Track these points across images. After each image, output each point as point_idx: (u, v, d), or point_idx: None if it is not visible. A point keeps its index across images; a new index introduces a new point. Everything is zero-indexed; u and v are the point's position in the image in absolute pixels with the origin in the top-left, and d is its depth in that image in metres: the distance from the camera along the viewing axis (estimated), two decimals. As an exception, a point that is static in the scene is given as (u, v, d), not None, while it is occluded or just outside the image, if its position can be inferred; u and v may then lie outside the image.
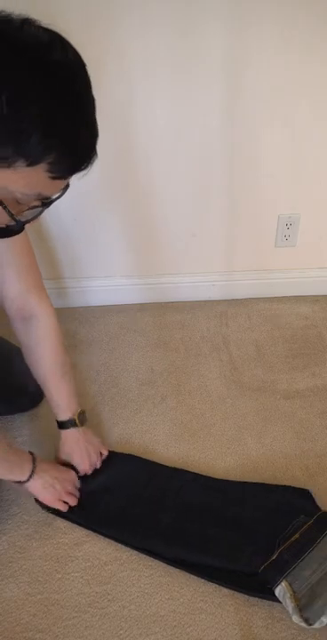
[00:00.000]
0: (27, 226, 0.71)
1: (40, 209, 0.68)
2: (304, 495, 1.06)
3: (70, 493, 1.04)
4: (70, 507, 1.03)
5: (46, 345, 1.05)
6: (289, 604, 0.87)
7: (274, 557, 0.93)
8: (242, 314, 1.62)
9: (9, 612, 0.92)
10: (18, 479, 0.97)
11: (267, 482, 1.10)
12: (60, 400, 1.08)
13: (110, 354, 1.49)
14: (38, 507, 1.05)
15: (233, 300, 1.67)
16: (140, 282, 1.64)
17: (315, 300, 1.66)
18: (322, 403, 1.30)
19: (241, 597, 0.92)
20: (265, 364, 1.43)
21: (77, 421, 1.09)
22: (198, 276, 1.64)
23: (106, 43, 1.22)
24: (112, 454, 1.15)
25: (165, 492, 1.07)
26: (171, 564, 0.96)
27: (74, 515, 1.03)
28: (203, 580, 0.94)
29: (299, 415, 1.27)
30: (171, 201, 1.48)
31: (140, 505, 1.05)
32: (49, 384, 1.07)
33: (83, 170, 0.63)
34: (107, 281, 1.64)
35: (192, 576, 0.95)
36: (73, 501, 1.04)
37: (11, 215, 0.65)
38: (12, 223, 0.67)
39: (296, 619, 0.86)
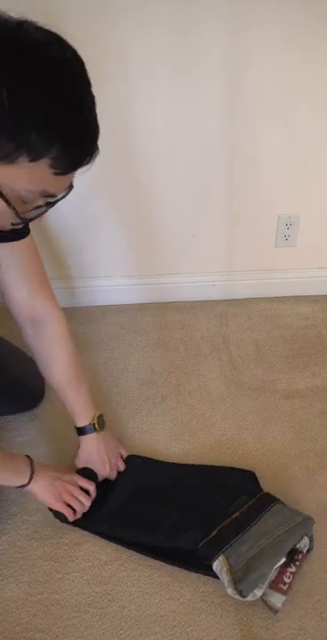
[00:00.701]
0: (32, 231, 0.71)
1: (44, 208, 0.69)
2: (249, 477, 1.10)
3: (72, 494, 1.01)
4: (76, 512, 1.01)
5: (58, 350, 1.04)
6: (225, 578, 0.90)
7: (213, 534, 0.96)
8: (242, 314, 1.62)
9: (9, 612, 0.92)
10: (18, 484, 0.96)
11: (266, 482, 1.10)
12: (77, 406, 1.07)
13: (110, 354, 1.49)
14: (38, 507, 1.05)
15: (233, 300, 1.67)
16: (140, 282, 1.64)
17: (315, 299, 1.67)
18: (322, 403, 1.31)
19: (241, 597, 0.92)
20: (265, 363, 1.44)
21: (97, 426, 1.07)
22: (198, 276, 1.64)
23: (106, 43, 1.22)
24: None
25: (120, 476, 1.11)
26: (119, 544, 1.00)
27: (86, 522, 1.02)
28: (203, 580, 0.94)
29: (299, 415, 1.27)
30: (171, 201, 1.48)
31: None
32: (64, 389, 1.06)
33: (85, 164, 0.64)
34: (107, 281, 1.64)
35: (192, 576, 0.95)
36: (78, 506, 1.00)
37: (16, 212, 0.65)
38: (17, 221, 0.68)
39: (231, 591, 0.89)
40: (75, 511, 1.00)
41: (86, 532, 1.02)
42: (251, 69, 1.28)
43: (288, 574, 0.91)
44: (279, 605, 0.89)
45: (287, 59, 1.27)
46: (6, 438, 1.22)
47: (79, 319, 1.61)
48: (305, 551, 0.95)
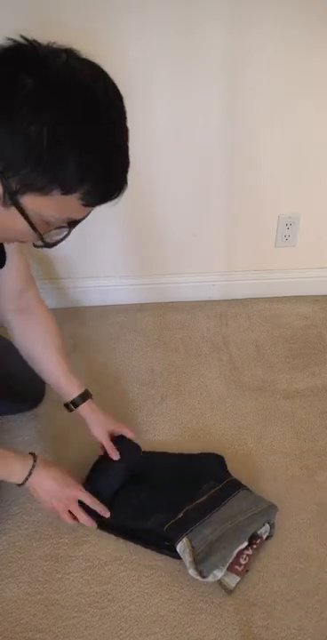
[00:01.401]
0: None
1: (67, 229, 0.71)
2: (219, 462, 1.14)
3: (67, 512, 1.00)
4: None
5: (46, 330, 1.07)
6: (187, 559, 0.93)
7: (179, 517, 0.98)
8: (242, 314, 1.62)
9: (9, 612, 0.92)
10: (14, 481, 0.96)
11: (266, 482, 1.10)
12: (68, 380, 1.08)
13: (110, 354, 1.48)
14: (38, 506, 1.05)
15: (233, 300, 1.67)
16: (140, 282, 1.64)
17: (315, 299, 1.66)
18: (322, 403, 1.30)
19: (241, 597, 0.92)
20: (265, 363, 1.43)
21: (88, 394, 1.09)
22: (198, 276, 1.64)
23: (106, 42, 1.22)
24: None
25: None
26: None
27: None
28: (203, 580, 0.94)
29: (299, 415, 1.27)
30: (171, 201, 1.48)
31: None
32: (54, 367, 1.07)
33: (113, 199, 0.67)
34: (107, 281, 1.64)
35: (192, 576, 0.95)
36: (68, 520, 1.00)
37: (41, 237, 0.69)
38: (40, 244, 0.71)
39: (192, 572, 0.91)
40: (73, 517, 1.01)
41: (86, 533, 1.02)
42: (251, 69, 1.28)
43: (245, 556, 0.94)
44: (233, 585, 0.92)
45: (287, 59, 1.27)
46: (6, 438, 1.22)
47: (79, 319, 1.61)
48: (264, 537, 0.98)
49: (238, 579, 0.92)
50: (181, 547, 0.94)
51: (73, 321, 1.60)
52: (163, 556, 0.98)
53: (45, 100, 0.58)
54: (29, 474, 0.96)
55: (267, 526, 0.98)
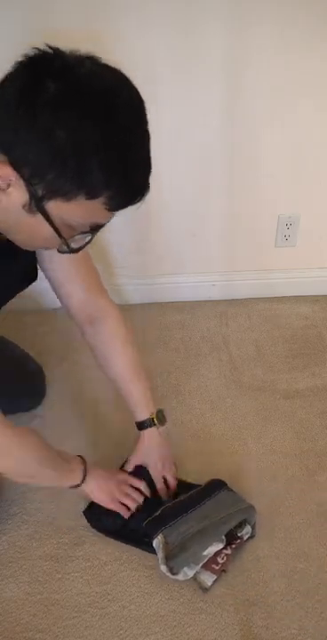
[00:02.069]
0: None
1: (90, 235, 0.72)
2: (229, 496, 1.08)
3: (124, 492, 1.02)
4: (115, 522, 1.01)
5: (117, 344, 1.05)
6: (159, 555, 0.94)
7: (157, 513, 0.99)
8: (242, 314, 1.62)
9: (9, 612, 0.92)
10: (72, 483, 0.97)
11: (266, 482, 1.10)
12: (136, 398, 1.06)
13: (110, 354, 1.48)
14: (38, 506, 1.05)
15: (233, 299, 1.67)
16: (140, 282, 1.64)
17: (315, 299, 1.66)
18: (322, 403, 1.30)
19: (241, 597, 0.92)
20: (265, 363, 1.43)
21: (156, 420, 1.06)
22: (198, 276, 1.64)
23: (105, 42, 1.22)
24: None
25: None
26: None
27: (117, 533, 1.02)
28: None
29: (299, 415, 1.27)
30: (171, 201, 1.48)
31: None
32: (124, 383, 1.06)
33: (137, 202, 0.68)
34: (107, 281, 1.63)
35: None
36: (131, 503, 1.01)
37: (67, 243, 0.70)
38: (65, 250, 0.71)
39: (163, 568, 0.92)
40: (127, 509, 1.01)
41: (86, 532, 1.02)
42: (251, 69, 1.28)
43: (223, 556, 0.94)
44: (208, 584, 0.92)
45: (287, 59, 1.27)
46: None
47: (79, 319, 1.61)
48: (245, 538, 0.98)
49: (214, 577, 0.92)
50: (156, 543, 0.95)
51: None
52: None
53: (69, 105, 0.58)
54: (85, 472, 0.97)
55: (249, 527, 0.99)
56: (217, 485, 1.05)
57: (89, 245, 0.75)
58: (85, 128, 0.58)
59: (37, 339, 1.49)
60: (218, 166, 1.43)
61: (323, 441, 1.21)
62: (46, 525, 1.04)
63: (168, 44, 1.23)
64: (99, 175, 0.61)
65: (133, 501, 1.02)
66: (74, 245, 0.72)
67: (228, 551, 0.95)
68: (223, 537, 0.95)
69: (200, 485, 1.06)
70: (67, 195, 0.62)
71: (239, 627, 0.89)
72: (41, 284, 0.99)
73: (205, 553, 0.93)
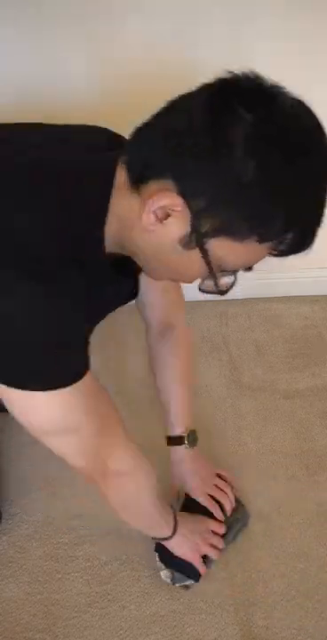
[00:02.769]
0: None
1: (234, 278, 0.65)
2: None
3: (208, 543, 0.94)
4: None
5: (180, 354, 1.02)
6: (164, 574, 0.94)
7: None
8: (242, 314, 1.62)
9: (9, 612, 0.92)
10: (162, 536, 0.91)
11: (266, 482, 1.10)
12: (178, 410, 1.02)
13: (110, 354, 1.48)
14: (38, 506, 1.05)
15: (233, 300, 1.67)
16: (140, 282, 1.64)
17: (315, 300, 1.66)
18: (322, 403, 1.31)
19: (241, 597, 0.92)
20: (265, 363, 1.43)
21: (186, 440, 1.01)
22: (198, 276, 1.64)
23: (106, 42, 1.21)
24: None
25: None
26: None
27: None
28: (203, 580, 0.94)
29: (299, 415, 1.27)
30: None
31: None
32: (173, 392, 1.02)
33: (303, 251, 0.61)
34: (107, 281, 1.63)
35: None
36: (216, 555, 0.94)
37: (217, 284, 0.63)
38: (213, 290, 0.65)
39: (164, 575, 0.94)
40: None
41: (86, 533, 1.02)
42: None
43: None
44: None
45: (287, 58, 1.27)
46: (4, 438, 1.22)
47: (79, 319, 1.61)
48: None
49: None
50: (165, 574, 0.94)
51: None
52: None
53: (266, 140, 0.52)
54: (176, 524, 0.90)
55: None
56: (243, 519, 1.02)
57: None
58: (281, 169, 0.52)
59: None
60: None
61: (323, 441, 1.21)
62: (46, 525, 1.04)
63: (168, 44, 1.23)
64: (282, 222, 0.55)
65: (218, 554, 0.94)
66: (223, 287, 0.64)
67: None
68: None
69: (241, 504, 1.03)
70: (236, 235, 0.55)
71: (239, 627, 0.89)
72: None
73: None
